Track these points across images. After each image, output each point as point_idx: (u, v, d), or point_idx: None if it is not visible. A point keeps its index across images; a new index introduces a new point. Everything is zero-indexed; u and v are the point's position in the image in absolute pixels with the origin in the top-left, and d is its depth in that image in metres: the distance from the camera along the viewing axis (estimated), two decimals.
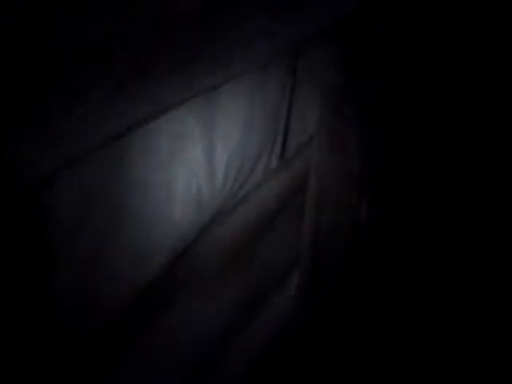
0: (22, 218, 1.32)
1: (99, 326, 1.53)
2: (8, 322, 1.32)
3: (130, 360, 1.62)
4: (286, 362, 2.07)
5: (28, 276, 1.36)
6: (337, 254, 2.16)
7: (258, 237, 2.01)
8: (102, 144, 1.34)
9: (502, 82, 2.79)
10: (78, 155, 1.31)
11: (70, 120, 1.18)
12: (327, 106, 2.12)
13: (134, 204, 1.53)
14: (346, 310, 2.16)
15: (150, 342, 1.67)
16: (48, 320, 1.41)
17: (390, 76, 2.83)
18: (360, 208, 2.27)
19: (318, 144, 2.10)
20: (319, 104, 2.11)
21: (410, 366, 2.27)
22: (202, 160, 1.67)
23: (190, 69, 1.36)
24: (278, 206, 2.07)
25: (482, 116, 2.85)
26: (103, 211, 1.48)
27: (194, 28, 1.28)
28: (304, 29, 1.67)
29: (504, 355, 2.31)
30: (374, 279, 2.39)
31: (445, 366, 2.31)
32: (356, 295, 2.24)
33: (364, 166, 2.26)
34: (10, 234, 1.29)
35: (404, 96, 2.79)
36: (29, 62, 1.03)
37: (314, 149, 2.10)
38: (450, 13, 2.71)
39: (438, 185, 2.77)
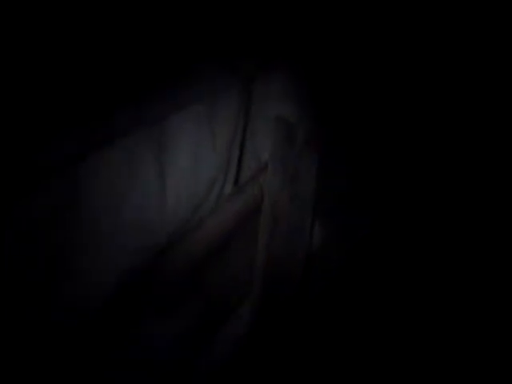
0: None
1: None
2: None
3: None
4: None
5: None
6: (290, 275, 2.22)
7: (213, 260, 2.07)
8: (58, 166, 1.42)
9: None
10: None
11: None
12: (281, 133, 2.18)
13: (85, 230, 1.58)
14: (296, 333, 2.22)
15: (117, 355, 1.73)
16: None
17: (343, 106, 2.91)
18: (313, 232, 2.33)
19: (272, 170, 2.16)
20: (273, 132, 2.17)
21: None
22: (153, 187, 1.73)
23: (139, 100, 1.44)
24: (233, 230, 2.12)
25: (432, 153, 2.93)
26: (54, 238, 1.54)
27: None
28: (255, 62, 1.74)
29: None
30: (332, 301, 2.45)
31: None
32: (310, 317, 2.30)
33: (318, 191, 2.33)
34: None
35: (360, 122, 2.87)
36: None
37: (267, 175, 2.16)
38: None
39: (395, 208, 2.84)
